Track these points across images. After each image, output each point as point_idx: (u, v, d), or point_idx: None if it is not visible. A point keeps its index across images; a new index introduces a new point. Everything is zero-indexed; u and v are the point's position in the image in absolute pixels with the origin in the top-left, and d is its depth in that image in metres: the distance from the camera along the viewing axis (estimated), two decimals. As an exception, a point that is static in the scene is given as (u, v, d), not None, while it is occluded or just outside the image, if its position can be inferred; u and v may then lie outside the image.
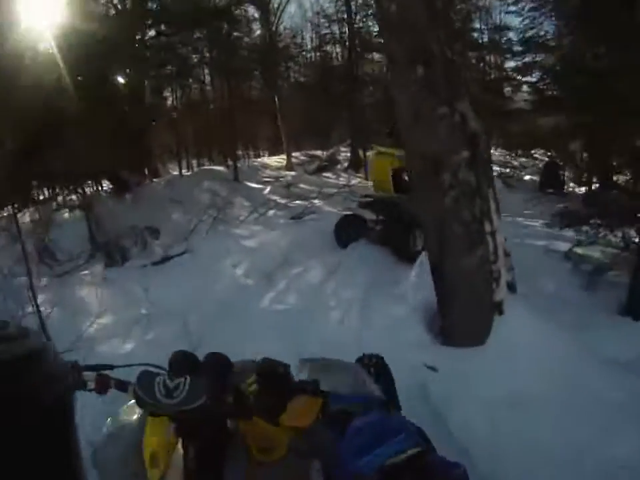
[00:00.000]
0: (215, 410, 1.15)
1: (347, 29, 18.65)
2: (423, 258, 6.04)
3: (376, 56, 21.29)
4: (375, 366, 2.24)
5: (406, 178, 7.26)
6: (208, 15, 14.03)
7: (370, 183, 13.61)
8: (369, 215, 7.91)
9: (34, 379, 0.56)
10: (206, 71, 19.79)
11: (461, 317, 4.34)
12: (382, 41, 4.96)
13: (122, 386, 1.23)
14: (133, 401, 1.26)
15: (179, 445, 1.25)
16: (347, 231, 7.73)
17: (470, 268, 4.18)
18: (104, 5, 12.46)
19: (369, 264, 6.80)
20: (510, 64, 17.68)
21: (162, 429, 1.28)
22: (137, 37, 13.04)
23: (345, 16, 18.45)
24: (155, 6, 13.54)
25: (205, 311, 5.52)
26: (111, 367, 1.31)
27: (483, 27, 19.55)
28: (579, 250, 6.37)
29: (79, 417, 0.68)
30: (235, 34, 17.07)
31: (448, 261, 4.25)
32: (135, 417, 1.44)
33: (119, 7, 12.84)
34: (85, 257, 8.35)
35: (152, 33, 13.86)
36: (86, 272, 7.47)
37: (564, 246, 6.67)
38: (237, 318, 5.32)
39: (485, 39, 19.36)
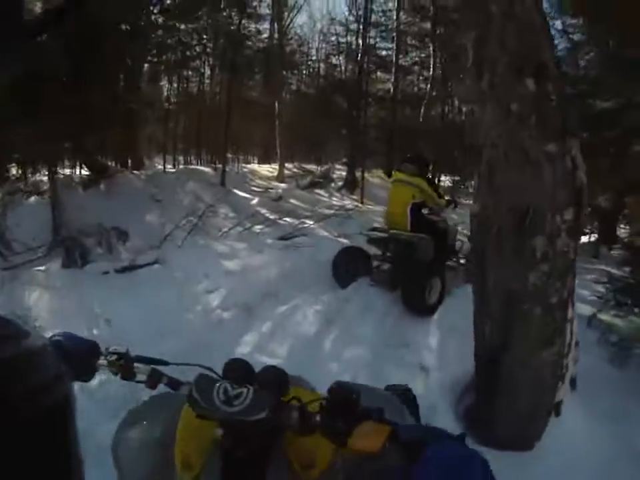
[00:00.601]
0: (276, 424, 1.14)
1: (360, 41, 17.89)
2: (439, 316, 5.48)
3: (382, 75, 21.15)
4: (404, 397, 2.05)
5: (426, 215, 6.55)
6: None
7: (365, 207, 13.33)
8: (373, 250, 6.92)
9: (33, 379, 0.52)
10: (207, 65, 19.25)
11: (513, 419, 3.42)
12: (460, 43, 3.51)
13: (174, 384, 1.31)
14: (154, 393, 1.40)
15: (215, 450, 1.22)
16: (348, 267, 6.67)
17: (540, 365, 3.28)
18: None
19: (376, 314, 5.85)
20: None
21: (200, 432, 1.24)
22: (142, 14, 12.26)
23: (361, 27, 17.71)
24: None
25: (167, 350, 4.41)
26: (166, 363, 1.37)
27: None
28: (604, 316, 5.37)
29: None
30: (244, 23, 16.27)
31: (515, 355, 3.31)
32: (163, 408, 1.43)
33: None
34: (44, 250, 7.32)
35: (157, 13, 13.09)
36: (41, 268, 6.35)
37: (584, 308, 5.47)
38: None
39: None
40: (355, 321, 5.61)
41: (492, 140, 3.17)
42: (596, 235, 10.58)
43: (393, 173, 7.04)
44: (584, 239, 11.11)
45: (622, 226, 11.35)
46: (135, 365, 1.33)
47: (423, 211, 6.58)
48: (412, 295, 5.96)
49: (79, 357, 1.31)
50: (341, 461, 1.31)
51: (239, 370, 1.28)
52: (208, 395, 1.12)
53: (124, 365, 1.32)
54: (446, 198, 7.07)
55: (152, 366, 1.34)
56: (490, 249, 3.34)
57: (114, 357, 1.33)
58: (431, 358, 4.63)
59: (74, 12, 0.63)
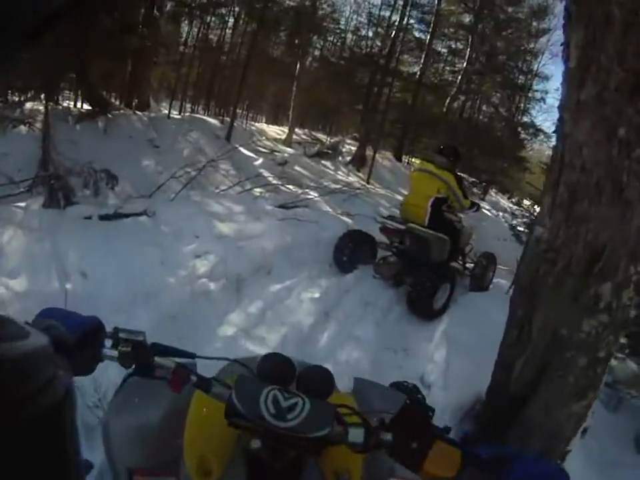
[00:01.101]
0: (333, 440, 1.00)
1: (397, 17, 17.46)
2: (445, 327, 5.16)
3: (410, 59, 20.84)
4: (412, 392, 2.04)
5: (446, 212, 6.11)
6: None
7: (371, 188, 12.95)
8: (380, 237, 6.47)
9: (32, 380, 0.50)
10: (232, 14, 18.74)
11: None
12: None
13: (205, 385, 1.08)
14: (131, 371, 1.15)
15: (241, 458, 1.13)
16: (351, 253, 6.24)
17: (566, 417, 2.98)
18: None
19: (376, 311, 5.45)
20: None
21: (218, 432, 1.13)
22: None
23: (401, 3, 17.22)
24: None
25: (144, 319, 3.93)
26: (192, 356, 1.20)
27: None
28: None
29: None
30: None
31: (543, 402, 2.97)
32: (159, 388, 1.15)
33: None
34: (27, 185, 6.77)
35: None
36: (21, 205, 5.81)
37: None
38: (182, 345, 3.68)
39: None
40: (353, 317, 5.21)
41: (583, 162, 2.71)
42: None
43: (419, 161, 6.60)
44: None
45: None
46: (156, 359, 1.10)
47: (443, 207, 6.13)
48: (419, 297, 5.58)
49: (78, 346, 1.00)
50: (368, 470, 1.25)
51: (278, 369, 1.19)
52: (253, 404, 0.99)
53: (141, 358, 1.10)
54: (472, 200, 6.69)
55: (176, 360, 1.12)
56: (547, 284, 2.96)
57: (127, 347, 1.09)
58: (434, 373, 4.30)
59: (74, 12, 0.54)
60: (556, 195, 2.90)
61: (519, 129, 19.08)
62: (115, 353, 1.09)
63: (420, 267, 5.88)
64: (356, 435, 1.02)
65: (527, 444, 3.01)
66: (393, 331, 5.26)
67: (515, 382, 3.13)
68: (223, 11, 17.77)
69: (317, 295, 5.31)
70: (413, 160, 18.98)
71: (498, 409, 3.25)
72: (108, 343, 1.10)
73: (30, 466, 0.48)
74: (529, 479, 0.92)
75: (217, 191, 8.75)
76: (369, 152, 15.67)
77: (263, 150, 13.52)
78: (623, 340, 5.07)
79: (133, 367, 1.11)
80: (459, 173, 6.55)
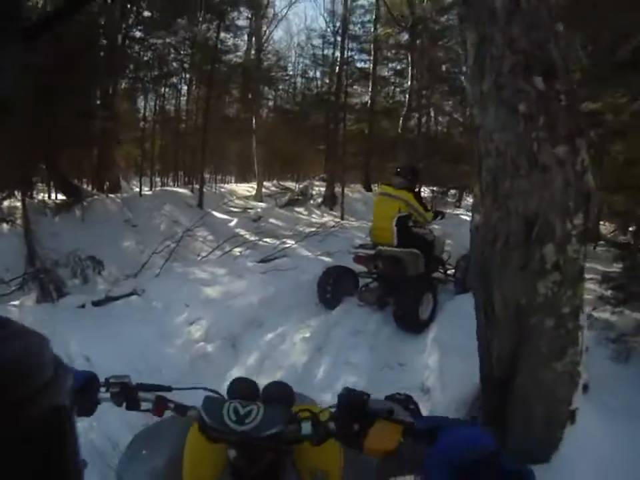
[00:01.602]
0: (289, 437, 1.15)
1: (338, 54, 18.06)
2: (435, 334, 5.31)
3: (360, 88, 21.27)
4: (406, 402, 1.74)
5: (413, 228, 6.41)
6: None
7: (347, 223, 13.19)
8: (358, 267, 6.75)
9: (32, 383, 0.50)
10: (184, 81, 19.17)
11: (527, 434, 3.19)
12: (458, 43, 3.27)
13: (181, 409, 1.28)
14: (159, 419, 1.38)
15: (226, 472, 1.25)
16: (333, 288, 6.48)
17: (554, 378, 3.09)
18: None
19: (367, 336, 5.69)
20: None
21: (210, 455, 1.27)
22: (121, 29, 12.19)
23: (339, 39, 17.84)
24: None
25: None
26: (169, 389, 1.35)
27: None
28: (600, 314, 5.23)
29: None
30: (221, 37, 16.22)
31: (526, 370, 3.10)
32: (168, 434, 1.43)
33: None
34: (18, 283, 6.96)
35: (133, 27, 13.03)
36: (15, 303, 6.05)
37: None
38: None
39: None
40: (346, 346, 5.43)
41: (496, 147, 2.99)
42: None
43: (379, 186, 6.93)
44: None
45: (601, 222, 11.57)
46: (140, 393, 1.31)
47: (408, 224, 6.43)
48: (404, 313, 5.80)
49: (78, 390, 1.25)
50: (351, 468, 1.36)
51: (244, 388, 1.33)
52: (218, 416, 1.14)
53: (128, 395, 1.30)
54: (435, 210, 7.00)
55: (156, 393, 1.32)
56: (495, 263, 3.14)
57: (116, 388, 1.30)
58: (431, 378, 4.46)
59: (73, 13, 0.62)
60: (481, 182, 3.14)
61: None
62: (108, 395, 1.30)
63: (399, 284, 6.05)
64: (306, 428, 1.16)
65: (530, 415, 3.14)
66: (386, 350, 5.44)
67: (497, 362, 3.24)
68: (175, 80, 18.17)
69: (307, 335, 5.51)
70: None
71: (493, 392, 3.36)
72: (103, 389, 1.31)
73: (30, 467, 0.48)
74: (453, 443, 0.97)
75: (198, 258, 8.98)
76: (338, 189, 15.95)
77: (236, 210, 13.80)
78: (607, 292, 5.26)
79: (124, 404, 1.32)
80: (417, 190, 6.86)
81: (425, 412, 3.46)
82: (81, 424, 3.51)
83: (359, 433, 1.10)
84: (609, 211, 10.12)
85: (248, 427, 1.11)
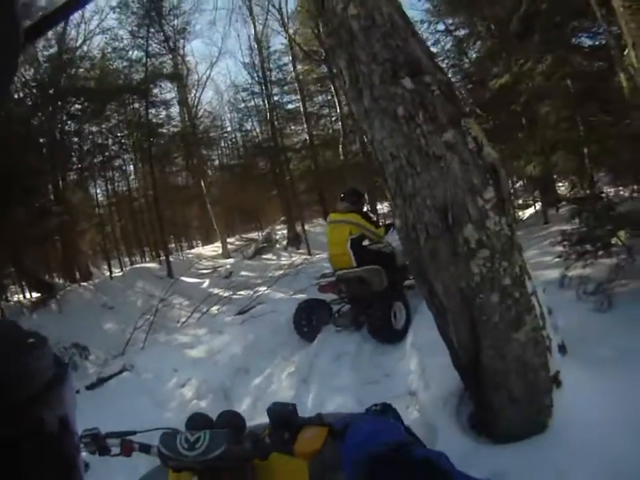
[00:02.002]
0: (235, 456, 1.27)
1: (265, 101, 18.55)
2: (412, 339, 5.39)
3: (296, 127, 21.69)
4: (383, 412, 1.98)
5: (368, 246, 6.63)
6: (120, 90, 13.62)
7: (315, 258, 13.53)
8: (329, 296, 6.97)
9: (33, 383, 0.48)
10: (129, 161, 19.42)
11: (515, 407, 3.20)
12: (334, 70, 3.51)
13: (145, 448, 1.45)
14: (154, 466, 1.58)
15: None
16: (309, 321, 6.69)
17: (519, 346, 3.08)
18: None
19: (349, 358, 5.86)
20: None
21: None
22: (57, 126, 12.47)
23: (263, 89, 18.38)
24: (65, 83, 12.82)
25: (150, 459, 4.42)
26: (134, 433, 1.51)
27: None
28: (573, 272, 5.29)
29: None
30: (153, 111, 16.74)
31: (489, 349, 3.11)
32: None
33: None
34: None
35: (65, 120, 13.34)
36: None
37: (552, 273, 5.52)
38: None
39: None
40: (329, 371, 5.59)
41: (390, 153, 3.14)
42: (540, 203, 11.01)
43: (329, 215, 7.15)
44: (530, 209, 11.77)
45: (560, 185, 12.03)
46: (108, 440, 1.45)
47: (363, 242, 6.65)
48: (379, 327, 5.99)
49: None
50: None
51: (198, 420, 1.50)
52: (173, 446, 1.28)
53: (98, 444, 1.44)
54: (385, 223, 7.22)
55: (122, 437, 1.47)
56: (425, 257, 3.18)
57: (88, 439, 1.44)
58: (416, 381, 4.52)
59: (72, 13, 0.72)
60: (389, 188, 3.27)
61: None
62: (82, 446, 1.41)
63: (368, 302, 6.28)
64: (248, 446, 1.28)
65: (511, 390, 3.13)
66: (370, 366, 5.60)
67: (460, 348, 3.24)
68: (120, 161, 18.50)
69: (292, 370, 5.72)
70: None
71: (469, 379, 3.39)
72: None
73: (32, 468, 0.48)
74: (363, 437, 1.06)
75: (178, 324, 9.18)
76: (299, 228, 16.25)
77: (206, 271, 14.08)
78: (569, 250, 5.25)
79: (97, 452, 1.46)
80: (363, 210, 7.13)
81: (414, 414, 3.65)
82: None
83: (289, 440, 1.25)
84: (558, 172, 10.66)
85: (197, 451, 1.25)
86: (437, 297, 3.23)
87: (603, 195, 6.35)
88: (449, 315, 3.21)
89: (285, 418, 1.31)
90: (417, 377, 4.53)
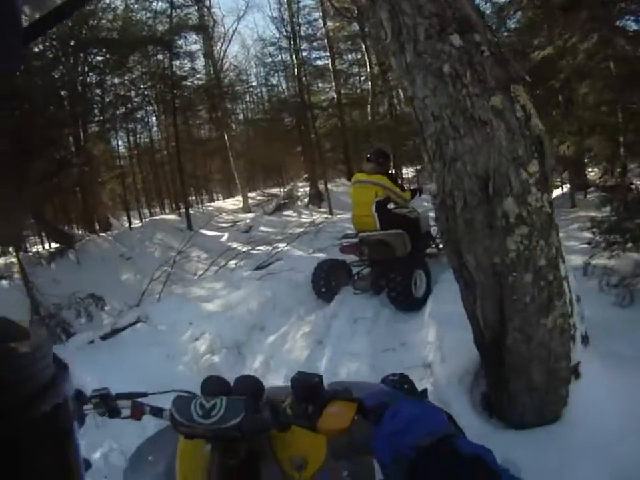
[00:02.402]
0: (252, 426, 1.18)
1: (293, 57, 18.18)
2: (431, 309, 5.26)
3: (322, 85, 21.34)
4: (400, 383, 2.13)
5: (393, 209, 6.46)
6: (144, 42, 13.44)
7: (336, 217, 13.36)
8: (350, 257, 6.84)
9: (33, 383, 0.48)
10: (152, 113, 19.28)
11: (532, 395, 3.15)
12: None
13: (157, 412, 1.36)
14: (164, 426, 1.47)
15: (213, 468, 1.26)
16: (327, 281, 6.56)
17: (545, 333, 3.00)
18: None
19: (365, 322, 5.75)
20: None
21: (195, 453, 1.32)
22: (78, 77, 12.32)
23: (292, 44, 17.98)
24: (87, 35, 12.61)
25: (166, 405, 4.34)
26: (145, 394, 1.43)
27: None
28: (598, 261, 5.13)
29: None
30: (178, 63, 16.51)
31: (515, 331, 3.02)
32: (167, 442, 1.48)
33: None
34: (25, 332, 7.11)
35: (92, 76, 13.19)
36: (25, 350, 6.21)
37: (575, 259, 5.25)
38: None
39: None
40: (345, 335, 5.50)
41: (432, 112, 2.95)
42: (568, 185, 10.66)
43: (354, 175, 6.95)
44: (557, 191, 11.20)
45: (590, 170, 11.61)
46: (118, 402, 1.39)
47: (389, 206, 6.50)
48: (398, 293, 5.83)
49: None
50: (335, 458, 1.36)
51: (215, 385, 1.34)
52: (186, 412, 1.17)
53: (108, 405, 1.37)
54: (411, 188, 7.03)
55: (133, 399, 1.39)
56: (459, 227, 3.04)
57: (97, 400, 1.37)
58: (432, 353, 4.39)
59: (71, 13, 0.67)
60: (427, 150, 3.09)
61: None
62: (91, 407, 1.37)
63: (389, 267, 6.11)
64: (267, 416, 1.20)
65: (528, 376, 3.08)
66: (386, 333, 5.50)
67: (485, 326, 3.16)
68: (142, 113, 18.34)
69: (308, 330, 5.63)
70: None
71: (489, 358, 3.32)
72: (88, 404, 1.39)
73: (31, 469, 0.48)
74: (405, 423, 0.97)
75: (196, 277, 9.14)
76: (322, 186, 16.10)
77: (226, 225, 13.97)
78: (599, 238, 5.09)
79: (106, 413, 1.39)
80: (390, 172, 6.93)
81: (428, 387, 3.56)
82: (101, 449, 3.73)
83: (313, 414, 1.15)
84: (590, 156, 10.23)
85: (212, 419, 1.16)
86: (466, 270, 3.11)
87: (633, 186, 6.18)
88: (478, 289, 3.10)
89: (310, 390, 1.20)
90: (433, 349, 4.42)
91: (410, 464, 0.90)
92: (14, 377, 0.46)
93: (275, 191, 20.20)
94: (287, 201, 16.77)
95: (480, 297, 3.11)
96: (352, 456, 1.30)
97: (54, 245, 11.77)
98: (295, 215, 15.23)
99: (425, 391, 1.84)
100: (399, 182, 7.13)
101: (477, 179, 2.87)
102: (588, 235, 5.28)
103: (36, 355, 0.50)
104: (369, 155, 6.81)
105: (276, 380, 4.66)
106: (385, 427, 0.99)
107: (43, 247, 12.50)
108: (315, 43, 20.01)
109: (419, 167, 15.64)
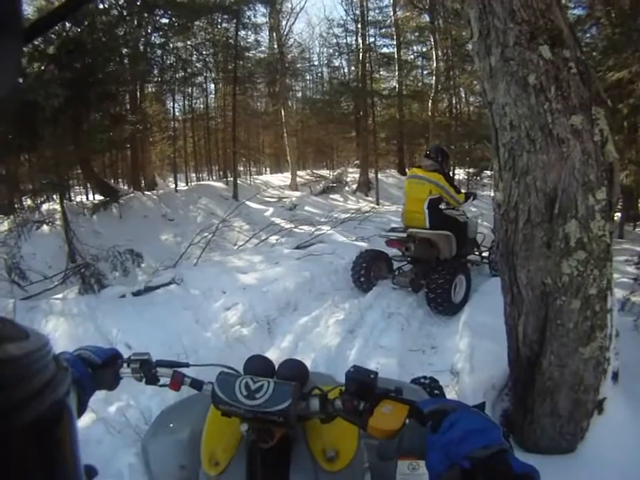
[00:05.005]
0: (298, 413, 1.16)
1: (360, 41, 17.87)
2: (466, 317, 5.11)
3: (385, 74, 21.06)
4: (431, 387, 2.11)
5: (445, 210, 6.31)
6: (211, 8, 13.61)
7: (383, 208, 13.19)
8: (393, 251, 6.71)
9: (32, 383, 0.48)
10: (210, 80, 19.33)
11: (553, 421, 3.07)
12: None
13: (197, 384, 1.34)
14: (186, 396, 1.55)
15: (241, 447, 1.27)
16: (367, 272, 6.42)
17: (581, 363, 2.94)
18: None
19: (400, 319, 5.60)
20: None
21: (228, 431, 1.29)
22: (141, 37, 12.35)
23: (359, 27, 17.65)
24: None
25: (186, 371, 4.23)
26: (187, 365, 1.42)
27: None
28: (637, 298, 4.97)
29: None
30: (242, 34, 16.46)
31: (552, 355, 2.96)
32: (191, 412, 1.51)
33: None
34: (60, 278, 7.18)
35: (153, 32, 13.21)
36: (58, 297, 6.20)
37: (615, 292, 5.07)
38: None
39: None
40: (378, 328, 5.38)
41: (510, 121, 2.86)
42: (619, 214, 10.30)
43: (410, 169, 6.81)
44: None
45: None
46: (158, 369, 1.38)
47: (440, 205, 6.35)
48: (437, 295, 5.71)
49: (103, 366, 1.33)
50: (364, 451, 1.39)
51: (259, 366, 1.35)
52: (230, 390, 1.16)
53: (147, 371, 1.37)
54: (463, 191, 6.86)
55: (174, 369, 1.38)
56: (518, 241, 3.01)
57: (137, 364, 1.37)
58: (461, 361, 4.29)
59: (72, 15, 0.75)
60: (499, 158, 3.01)
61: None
62: (129, 371, 1.37)
63: (432, 267, 6.03)
64: (314, 404, 1.18)
65: (555, 401, 3.02)
66: (419, 333, 5.43)
67: (523, 344, 3.13)
68: (201, 79, 18.29)
69: (341, 317, 5.49)
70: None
71: (520, 376, 3.23)
72: (126, 366, 1.39)
73: (31, 469, 0.47)
74: (458, 433, 0.95)
75: (235, 247, 9.12)
76: (372, 175, 15.88)
77: (271, 199, 13.92)
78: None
79: (144, 379, 1.38)
80: (447, 172, 6.75)
81: (453, 395, 3.47)
82: (118, 403, 3.66)
83: (364, 411, 1.10)
84: None
85: (258, 401, 1.13)
86: (516, 285, 3.09)
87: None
88: (524, 307, 3.08)
89: (364, 386, 1.14)
90: (463, 358, 4.31)
91: (464, 474, 0.89)
92: (9, 378, 0.45)
93: (324, 172, 20.15)
94: (335, 184, 16.66)
95: (524, 313, 3.08)
96: (398, 457, 1.15)
97: (98, 198, 11.88)
98: (341, 199, 15.10)
99: (483, 404, 1.79)
100: (455, 183, 6.89)
101: (544, 196, 2.82)
102: (632, 269, 5.18)
103: (34, 356, 0.50)
104: (428, 152, 6.66)
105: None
106: (443, 435, 0.95)
107: (87, 199, 12.65)
108: (382, 30, 19.75)
109: (469, 170, 15.24)
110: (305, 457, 1.27)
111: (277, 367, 1.40)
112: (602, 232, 2.79)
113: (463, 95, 20.43)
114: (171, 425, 1.58)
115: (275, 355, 4.77)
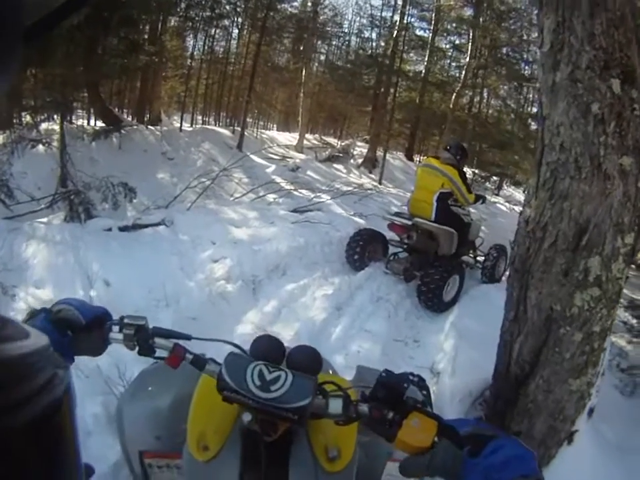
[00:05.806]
0: (314, 411, 1.06)
1: (398, 19, 17.44)
2: (454, 319, 5.13)
3: (414, 57, 20.76)
4: (420, 387, 1.97)
5: (452, 206, 6.19)
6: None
7: (384, 188, 13.04)
8: (390, 234, 6.57)
9: (31, 383, 0.47)
10: (236, 25, 18.97)
11: (526, 441, 2.63)
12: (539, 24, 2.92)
13: (199, 362, 1.17)
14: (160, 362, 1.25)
15: (235, 432, 1.19)
16: (362, 250, 6.30)
17: (567, 394, 2.96)
18: None
19: (387, 306, 5.47)
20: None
21: (217, 409, 1.18)
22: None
23: (400, 4, 17.25)
24: None
25: (164, 320, 4.01)
26: (188, 337, 1.23)
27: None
28: (617, 340, 4.98)
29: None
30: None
31: (541, 379, 2.97)
32: (174, 378, 1.36)
33: None
34: (47, 202, 6.93)
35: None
36: (43, 220, 5.99)
37: None
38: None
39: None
40: (365, 311, 5.28)
41: (561, 142, 2.76)
42: None
43: (426, 158, 6.67)
44: None
45: None
46: (156, 340, 1.19)
47: (449, 201, 6.22)
48: (429, 290, 5.63)
49: (88, 329, 1.19)
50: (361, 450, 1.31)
51: (269, 349, 1.22)
52: (241, 377, 1.05)
53: (142, 340, 1.19)
54: (477, 193, 6.74)
55: (174, 341, 1.20)
56: (538, 261, 2.96)
57: (130, 330, 1.19)
58: (444, 362, 4.31)
59: (73, 14, 0.61)
60: (539, 175, 2.93)
61: (529, 120, 18.78)
62: (120, 336, 1.20)
63: (429, 260, 5.97)
64: (335, 406, 1.08)
65: (532, 424, 3.04)
66: (404, 324, 5.33)
67: (515, 362, 3.12)
68: (227, 22, 17.97)
69: (329, 292, 5.37)
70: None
71: (502, 391, 3.24)
72: (116, 329, 1.21)
73: (31, 469, 0.46)
74: (501, 460, 0.94)
75: (232, 198, 8.90)
76: (379, 153, 15.71)
77: (275, 157, 13.65)
78: (632, 320, 5.03)
79: (137, 348, 1.21)
80: (463, 169, 6.60)
81: (435, 397, 3.35)
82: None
83: (394, 423, 1.03)
84: None
85: (273, 394, 1.03)
86: (524, 304, 3.06)
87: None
88: (526, 326, 3.06)
89: (396, 395, 1.07)
90: (446, 359, 4.35)
91: None
92: (8, 378, 0.44)
93: (332, 140, 19.90)
94: (341, 154, 16.43)
95: (524, 333, 3.07)
96: (422, 475, 1.07)
97: (100, 125, 11.61)
98: (344, 171, 14.87)
99: (519, 432, 1.81)
100: (468, 181, 6.74)
101: (575, 226, 2.77)
102: (623, 313, 5.09)
103: (34, 356, 0.49)
104: (448, 147, 6.56)
105: (283, 330, 4.47)
106: (485, 459, 0.94)
107: (89, 124, 12.35)
108: (422, 12, 19.40)
109: (475, 170, 15.05)
110: (304, 453, 1.19)
111: (287, 352, 1.27)
112: (620, 275, 2.80)
113: (486, 96, 20.24)
114: (150, 388, 1.48)
115: (256, 318, 4.66)
